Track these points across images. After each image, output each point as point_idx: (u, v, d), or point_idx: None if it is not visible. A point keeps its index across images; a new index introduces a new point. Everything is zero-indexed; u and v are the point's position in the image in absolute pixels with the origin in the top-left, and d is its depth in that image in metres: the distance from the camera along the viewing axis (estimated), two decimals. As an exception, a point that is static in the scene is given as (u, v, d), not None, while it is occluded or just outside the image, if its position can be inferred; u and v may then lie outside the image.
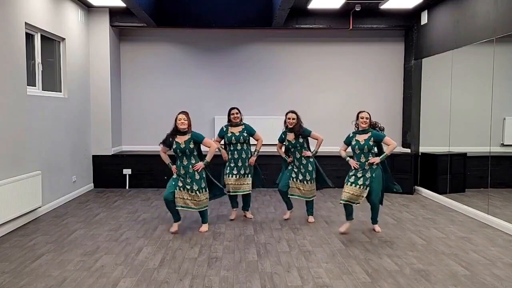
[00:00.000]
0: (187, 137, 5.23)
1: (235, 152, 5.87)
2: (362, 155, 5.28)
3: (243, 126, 5.94)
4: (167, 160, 5.36)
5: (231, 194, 5.96)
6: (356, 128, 5.43)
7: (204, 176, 5.35)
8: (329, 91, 8.90)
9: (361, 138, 5.32)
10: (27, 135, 5.87)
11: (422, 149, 8.11)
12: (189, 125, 5.28)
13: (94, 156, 8.23)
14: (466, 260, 4.48)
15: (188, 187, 5.23)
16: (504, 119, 6.44)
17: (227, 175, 5.90)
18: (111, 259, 4.46)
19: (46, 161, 6.40)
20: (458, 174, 7.23)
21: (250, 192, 6.00)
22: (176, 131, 5.24)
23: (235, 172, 5.86)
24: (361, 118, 5.33)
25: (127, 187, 8.29)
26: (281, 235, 5.35)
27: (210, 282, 3.91)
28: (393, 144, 5.28)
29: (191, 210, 5.34)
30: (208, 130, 8.42)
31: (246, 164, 5.89)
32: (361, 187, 5.20)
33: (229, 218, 6.05)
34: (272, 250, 4.79)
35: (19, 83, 5.67)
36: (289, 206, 6.12)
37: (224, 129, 5.94)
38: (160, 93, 8.84)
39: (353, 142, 5.36)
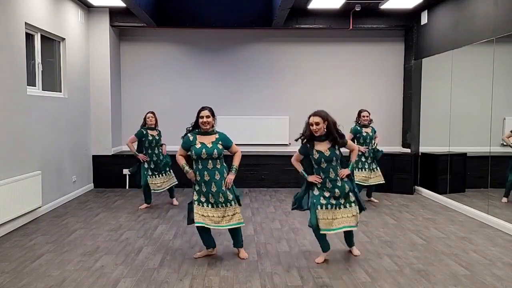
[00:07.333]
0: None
1: (205, 172, 4.26)
2: (370, 144, 6.77)
3: (217, 136, 4.36)
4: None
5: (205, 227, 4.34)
6: (358, 123, 6.81)
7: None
8: (329, 91, 8.90)
9: (368, 130, 6.79)
10: (27, 135, 5.87)
11: (422, 149, 8.11)
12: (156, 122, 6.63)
13: (94, 156, 8.23)
14: (466, 260, 4.48)
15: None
16: (504, 119, 6.42)
17: (199, 203, 4.34)
18: (111, 259, 4.46)
19: (46, 161, 6.40)
20: (458, 174, 7.22)
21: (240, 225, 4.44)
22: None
23: (211, 200, 4.31)
24: (363, 116, 6.75)
25: (127, 187, 8.29)
26: (281, 235, 5.35)
27: (210, 282, 3.91)
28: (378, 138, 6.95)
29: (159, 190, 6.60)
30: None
31: (224, 188, 4.30)
32: (371, 170, 6.83)
33: (194, 256, 4.57)
34: (272, 250, 4.79)
35: (19, 83, 5.67)
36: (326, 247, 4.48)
37: (191, 138, 4.34)
38: (160, 93, 8.85)
39: (364, 134, 6.73)
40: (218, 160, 4.29)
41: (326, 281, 3.94)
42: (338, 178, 4.26)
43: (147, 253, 4.65)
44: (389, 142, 8.81)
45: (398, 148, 8.88)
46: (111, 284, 3.86)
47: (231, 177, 4.32)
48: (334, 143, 4.21)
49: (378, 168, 6.89)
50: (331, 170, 4.24)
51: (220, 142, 4.30)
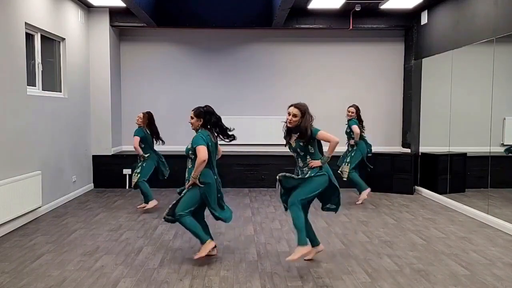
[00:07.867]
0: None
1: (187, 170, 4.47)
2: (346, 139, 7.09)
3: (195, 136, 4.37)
4: None
5: None
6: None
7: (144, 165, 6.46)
8: (329, 91, 8.90)
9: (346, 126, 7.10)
10: (27, 135, 5.87)
11: (422, 149, 8.11)
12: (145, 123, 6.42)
13: (94, 156, 8.23)
14: (466, 260, 4.48)
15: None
16: (504, 119, 6.43)
17: None
18: (111, 259, 4.46)
19: (46, 161, 6.40)
20: (458, 174, 7.23)
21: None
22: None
23: None
24: (347, 111, 7.08)
25: (127, 187, 8.29)
26: (281, 235, 5.35)
27: (210, 282, 3.91)
28: (356, 131, 6.93)
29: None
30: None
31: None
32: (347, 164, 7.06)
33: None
34: (272, 250, 4.79)
35: (19, 83, 5.67)
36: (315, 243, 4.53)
37: None
38: (160, 93, 8.84)
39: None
40: (189, 160, 4.38)
41: (326, 281, 3.94)
42: (305, 169, 4.26)
43: (147, 253, 4.65)
44: (389, 142, 8.82)
45: (398, 148, 8.88)
46: (111, 284, 3.86)
47: (191, 182, 4.28)
48: (300, 136, 4.23)
49: (348, 164, 6.98)
50: (299, 159, 4.33)
51: (191, 142, 4.34)
